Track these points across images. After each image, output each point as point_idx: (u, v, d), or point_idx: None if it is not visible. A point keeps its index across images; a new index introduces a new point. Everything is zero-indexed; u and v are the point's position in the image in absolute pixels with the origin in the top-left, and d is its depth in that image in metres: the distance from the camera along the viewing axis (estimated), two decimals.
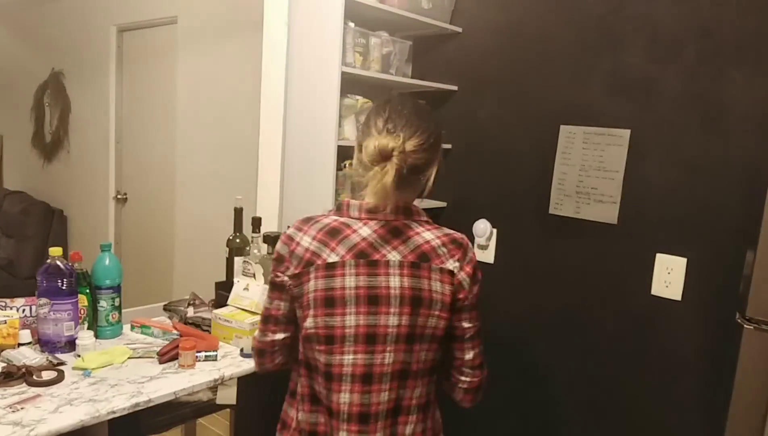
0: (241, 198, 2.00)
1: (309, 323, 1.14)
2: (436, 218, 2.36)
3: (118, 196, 3.69)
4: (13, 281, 3.89)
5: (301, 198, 1.97)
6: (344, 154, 1.98)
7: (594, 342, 1.97)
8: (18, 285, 3.78)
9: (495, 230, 2.18)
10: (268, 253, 1.93)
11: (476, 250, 2.24)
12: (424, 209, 2.44)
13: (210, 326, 1.84)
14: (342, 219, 1.18)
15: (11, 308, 1.64)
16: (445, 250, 1.18)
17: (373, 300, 1.13)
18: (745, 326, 1.39)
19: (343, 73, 1.83)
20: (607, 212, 1.90)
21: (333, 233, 1.15)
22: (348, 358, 1.13)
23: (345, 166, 2.01)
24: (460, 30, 2.24)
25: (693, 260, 1.75)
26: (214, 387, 1.79)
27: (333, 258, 1.13)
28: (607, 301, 1.93)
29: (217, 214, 2.53)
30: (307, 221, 1.20)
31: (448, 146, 2.30)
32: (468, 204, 2.27)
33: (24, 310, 1.65)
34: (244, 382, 1.76)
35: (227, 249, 2.00)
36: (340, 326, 1.13)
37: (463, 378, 1.24)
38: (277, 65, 1.98)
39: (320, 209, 1.93)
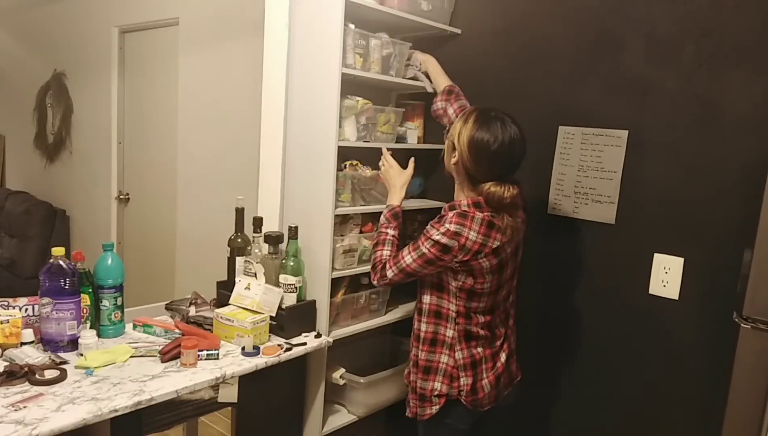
0: (242, 198, 2.01)
1: (483, 284, 1.62)
2: (432, 217, 2.36)
3: (120, 197, 3.71)
4: (15, 281, 3.91)
5: (301, 198, 1.99)
6: (344, 154, 1.99)
7: (592, 341, 1.98)
8: (21, 285, 3.79)
9: None
10: (269, 252, 1.95)
11: None
12: (424, 210, 2.45)
13: (212, 325, 1.86)
14: (486, 213, 1.57)
15: (14, 308, 1.65)
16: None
17: (512, 260, 1.67)
18: (742, 325, 1.40)
19: (344, 75, 1.84)
20: (605, 212, 1.91)
21: (491, 226, 1.56)
22: (501, 297, 1.69)
23: (345, 167, 2.02)
24: (459, 31, 2.25)
25: (690, 259, 1.76)
26: (215, 386, 1.81)
27: (496, 243, 1.55)
28: (605, 300, 1.94)
29: (219, 214, 2.54)
30: (465, 216, 1.56)
31: None
32: None
33: (27, 309, 1.67)
34: (245, 380, 1.77)
35: (229, 249, 2.01)
36: (506, 279, 1.68)
37: None
38: (278, 66, 1.99)
39: (321, 210, 1.95)
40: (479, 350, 1.65)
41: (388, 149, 1.95)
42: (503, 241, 1.56)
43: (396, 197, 1.83)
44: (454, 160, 1.59)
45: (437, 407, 1.64)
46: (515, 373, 1.79)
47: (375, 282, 1.69)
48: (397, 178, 1.86)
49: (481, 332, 1.64)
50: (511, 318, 1.76)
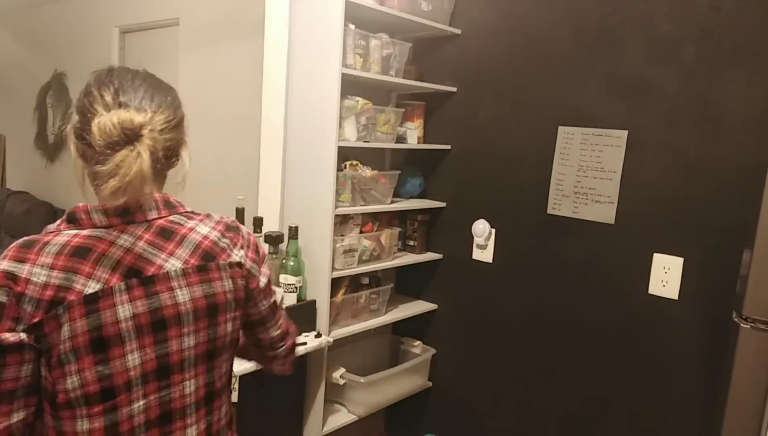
0: (242, 198, 2.01)
1: (71, 382, 0.83)
2: (435, 218, 2.38)
3: None
4: None
5: (302, 198, 1.99)
6: (345, 154, 1.99)
7: (591, 341, 1.98)
8: None
9: (494, 230, 2.19)
10: (269, 252, 1.95)
11: (475, 250, 2.26)
12: (424, 210, 2.45)
13: None
14: (85, 232, 0.88)
15: None
16: (226, 241, 0.99)
17: (159, 325, 0.89)
18: (742, 324, 1.40)
19: (344, 75, 1.84)
20: (605, 212, 1.91)
21: (81, 253, 0.85)
22: (138, 405, 0.88)
23: (345, 167, 2.02)
24: (459, 32, 2.25)
25: (690, 259, 1.76)
26: None
27: (93, 287, 0.84)
28: (605, 300, 1.94)
29: (219, 214, 2.54)
30: (31, 245, 0.88)
31: (447, 147, 2.31)
32: (467, 204, 2.28)
33: None
34: (245, 380, 1.77)
35: None
36: (122, 371, 0.85)
37: (278, 351, 1.15)
38: (278, 67, 2.00)
39: (321, 210, 1.95)
40: None
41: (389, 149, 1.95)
42: (111, 282, 0.86)
43: None
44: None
45: None
46: None
47: None
48: None
49: None
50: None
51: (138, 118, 0.86)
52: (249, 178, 2.21)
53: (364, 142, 2.03)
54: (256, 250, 1.05)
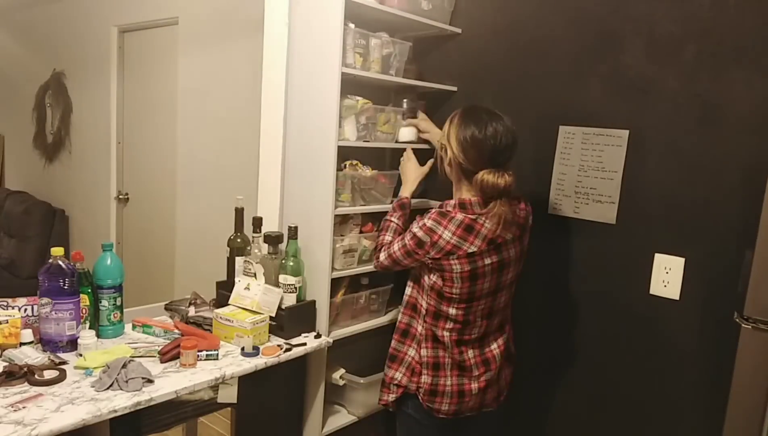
0: (242, 198, 2.00)
1: (453, 290, 1.63)
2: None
3: (120, 196, 3.70)
4: (14, 281, 3.90)
5: (301, 198, 1.98)
6: (344, 154, 1.98)
7: (592, 341, 1.97)
8: (20, 285, 3.79)
9: None
10: (268, 252, 1.94)
11: None
12: (424, 210, 2.45)
13: (211, 326, 1.85)
14: (470, 215, 1.60)
15: (13, 308, 1.65)
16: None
17: (502, 268, 1.65)
18: (743, 325, 1.40)
19: (344, 74, 1.84)
20: (606, 212, 1.91)
21: (468, 229, 1.59)
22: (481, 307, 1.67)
23: (345, 167, 2.01)
24: (459, 31, 2.25)
25: (691, 259, 1.76)
26: (215, 386, 1.80)
27: (472, 248, 1.58)
28: (606, 301, 1.93)
29: (218, 214, 2.54)
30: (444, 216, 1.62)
31: None
32: None
33: (26, 309, 1.66)
34: (245, 381, 1.77)
35: (228, 249, 2.01)
36: (481, 289, 1.64)
37: None
38: (278, 66, 1.99)
39: (321, 210, 1.94)
40: (444, 354, 1.67)
41: (388, 148, 1.95)
42: (481, 247, 1.57)
43: (407, 189, 1.92)
44: (447, 160, 1.64)
45: (394, 395, 1.72)
46: (503, 387, 1.82)
47: (374, 263, 1.80)
48: (411, 172, 1.97)
49: (447, 338, 1.66)
50: (504, 331, 1.78)
51: (503, 182, 1.59)
52: (248, 177, 2.21)
53: (364, 141, 2.02)
54: None
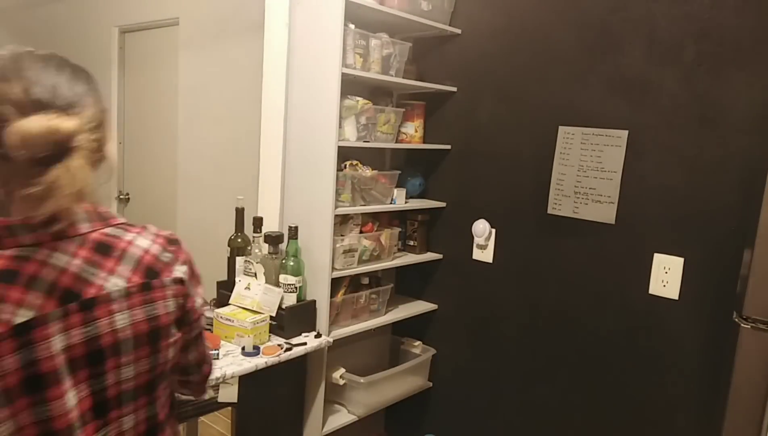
0: (242, 198, 2.01)
1: (5, 430, 0.72)
2: (436, 218, 2.37)
3: (121, 197, 3.71)
4: None
5: (301, 198, 1.99)
6: (345, 154, 1.99)
7: (592, 341, 1.98)
8: None
9: (494, 230, 2.19)
10: (269, 252, 1.95)
11: (475, 250, 2.25)
12: (425, 210, 2.45)
13: (212, 325, 1.86)
14: (8, 252, 0.73)
15: None
16: (169, 255, 0.88)
17: (95, 357, 0.77)
18: (742, 325, 1.40)
19: (344, 75, 1.84)
20: (605, 212, 1.91)
21: (7, 278, 0.72)
22: None
23: (345, 167, 2.02)
24: (459, 31, 2.25)
25: (690, 259, 1.76)
26: (215, 385, 1.81)
27: (24, 316, 0.71)
28: (605, 300, 1.94)
29: (219, 214, 2.54)
30: None
31: (448, 147, 2.31)
32: (467, 204, 2.28)
33: None
34: (245, 380, 1.77)
35: (229, 249, 2.01)
36: (63, 414, 0.74)
37: (190, 378, 1.02)
38: (278, 66, 1.99)
39: (321, 209, 1.95)
40: None
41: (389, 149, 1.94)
42: (43, 308, 0.73)
43: None
44: None
45: None
46: None
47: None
48: None
49: None
50: None
51: (67, 124, 0.71)
52: (249, 178, 2.21)
53: (364, 142, 2.02)
54: (193, 267, 0.94)
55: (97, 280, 0.78)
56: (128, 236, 0.84)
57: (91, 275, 0.77)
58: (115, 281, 0.79)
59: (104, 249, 0.80)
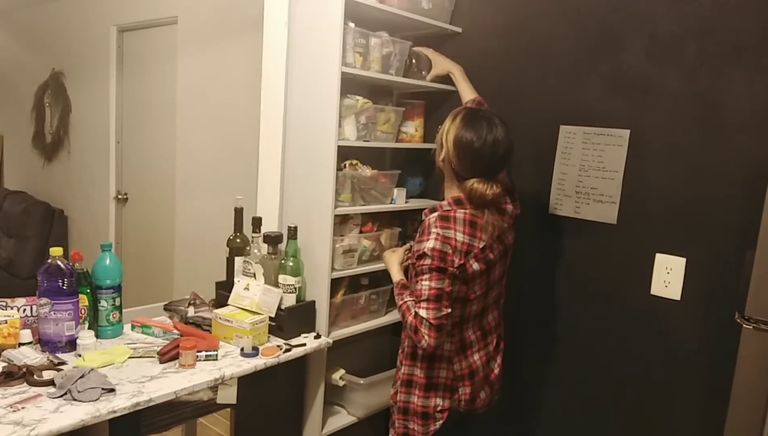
0: (241, 198, 2.00)
1: (474, 291, 1.61)
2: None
3: (119, 196, 3.70)
4: (13, 281, 3.89)
5: (301, 198, 1.98)
6: (344, 154, 1.98)
7: (593, 341, 1.97)
8: (19, 285, 3.78)
9: None
10: (268, 253, 1.94)
11: None
12: (423, 209, 2.44)
13: (210, 326, 1.85)
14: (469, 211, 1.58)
15: (12, 308, 1.64)
16: None
17: (499, 267, 1.66)
18: (744, 325, 1.39)
19: (343, 74, 1.83)
20: (607, 212, 1.90)
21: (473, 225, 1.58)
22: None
23: (345, 166, 2.01)
24: (460, 30, 2.24)
25: (692, 259, 1.75)
26: (214, 387, 1.80)
27: (483, 242, 1.56)
28: (607, 301, 1.93)
29: (218, 214, 2.53)
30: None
31: None
32: None
33: (25, 310, 1.66)
34: (244, 381, 1.76)
35: (228, 249, 2.00)
36: (484, 290, 1.64)
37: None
38: (278, 65, 1.98)
39: (321, 209, 1.94)
40: (475, 357, 1.64)
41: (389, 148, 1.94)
42: (488, 241, 1.56)
43: (399, 273, 1.73)
44: (441, 156, 1.61)
45: (440, 422, 1.63)
46: (500, 377, 1.76)
47: (427, 342, 1.47)
48: (392, 258, 1.79)
49: (473, 336, 1.63)
50: (501, 322, 1.75)
51: (491, 191, 1.57)
52: (248, 177, 2.20)
53: (364, 141, 2.02)
54: None
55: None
56: None
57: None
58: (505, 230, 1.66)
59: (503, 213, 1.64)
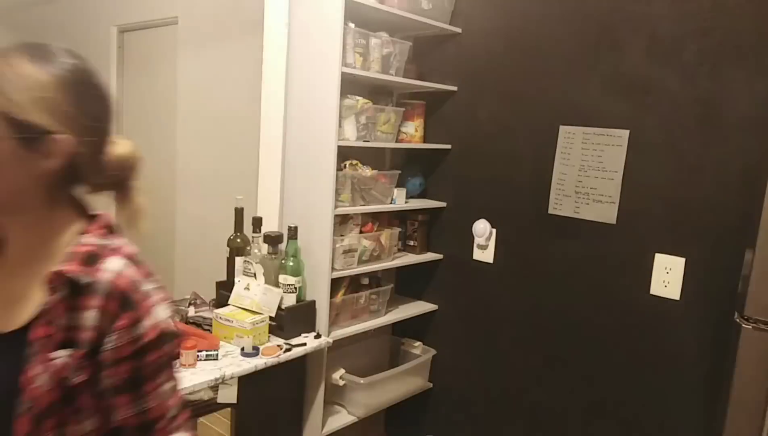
0: (241, 198, 2.00)
1: None
2: (436, 218, 2.37)
3: None
4: None
5: (301, 198, 1.98)
6: (344, 154, 1.98)
7: (593, 341, 1.97)
8: None
9: (494, 230, 2.18)
10: (268, 252, 1.94)
11: (476, 250, 2.25)
12: (425, 209, 2.44)
13: (211, 326, 1.85)
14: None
15: None
16: None
17: None
18: (744, 325, 1.40)
19: (343, 74, 1.83)
20: (606, 212, 1.90)
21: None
22: None
23: (345, 167, 2.01)
24: (459, 30, 2.24)
25: (691, 259, 1.76)
26: (215, 386, 1.80)
27: None
28: (606, 300, 1.93)
29: (218, 214, 2.54)
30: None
31: (448, 146, 2.30)
32: (468, 204, 2.27)
33: None
34: (244, 381, 1.76)
35: (228, 249, 2.00)
36: None
37: None
38: (278, 66, 1.99)
39: (321, 209, 1.94)
40: None
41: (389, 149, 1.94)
42: None
43: None
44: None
45: None
46: None
47: None
48: None
49: None
50: None
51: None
52: (248, 177, 2.20)
53: (364, 141, 2.02)
54: None
55: None
56: None
57: None
58: None
59: None
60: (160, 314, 0.79)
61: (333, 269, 1.95)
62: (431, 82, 2.22)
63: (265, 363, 1.70)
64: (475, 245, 2.25)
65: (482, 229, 2.18)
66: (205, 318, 1.89)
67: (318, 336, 1.93)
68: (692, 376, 1.78)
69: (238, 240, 1.99)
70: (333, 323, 2.01)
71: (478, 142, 2.22)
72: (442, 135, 2.31)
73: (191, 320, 1.90)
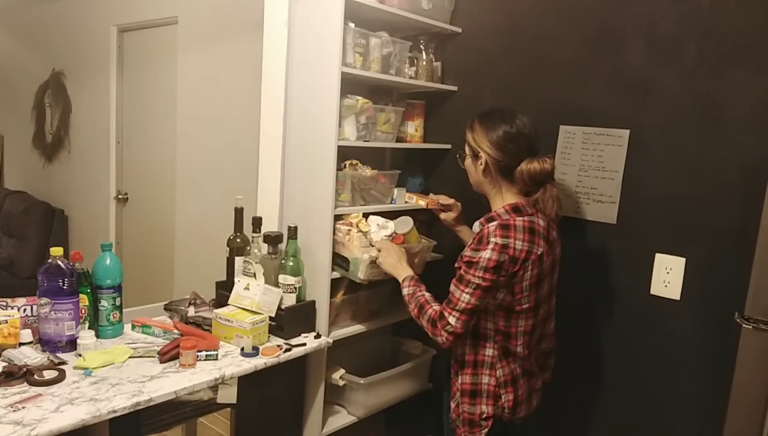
0: (241, 198, 2.00)
1: (526, 302, 1.59)
2: (435, 218, 2.36)
3: (119, 196, 3.70)
4: (14, 281, 3.90)
5: (301, 198, 1.98)
6: (344, 154, 1.98)
7: (593, 341, 1.97)
8: (19, 285, 3.78)
9: None
10: (268, 252, 1.94)
11: None
12: (425, 209, 2.44)
13: (211, 326, 1.85)
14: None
15: (12, 308, 1.64)
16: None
17: (553, 271, 1.68)
18: (744, 325, 1.40)
19: (343, 74, 1.83)
20: (607, 212, 1.90)
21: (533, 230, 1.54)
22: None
23: (345, 166, 2.01)
24: (459, 30, 2.24)
25: (692, 259, 1.75)
26: (214, 386, 1.80)
27: (541, 248, 1.55)
28: (606, 300, 1.93)
29: (218, 213, 2.54)
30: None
31: (448, 146, 2.30)
32: (468, 204, 2.27)
33: (25, 309, 1.66)
34: (244, 381, 1.76)
35: (228, 249, 2.00)
36: (543, 298, 1.65)
37: None
38: (278, 65, 1.99)
39: (321, 209, 1.94)
40: (516, 365, 1.61)
41: (389, 148, 1.94)
42: (545, 248, 1.55)
43: (407, 270, 1.76)
44: (481, 166, 1.60)
45: (486, 430, 1.61)
46: (541, 390, 1.76)
47: (442, 339, 1.53)
48: (395, 260, 1.79)
49: (520, 351, 1.60)
50: (552, 338, 1.75)
51: (546, 167, 1.58)
52: (248, 177, 2.20)
53: (364, 141, 2.02)
54: None
55: (555, 228, 1.66)
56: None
57: (556, 216, 1.64)
58: (554, 233, 1.66)
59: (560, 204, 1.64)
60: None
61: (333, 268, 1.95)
62: (431, 82, 2.22)
63: (265, 363, 1.70)
64: None
65: None
66: (204, 318, 1.89)
67: (318, 336, 1.93)
68: (692, 376, 1.78)
69: (238, 240, 1.99)
70: (333, 323, 2.01)
71: None
72: (442, 135, 2.31)
73: (191, 320, 1.90)
